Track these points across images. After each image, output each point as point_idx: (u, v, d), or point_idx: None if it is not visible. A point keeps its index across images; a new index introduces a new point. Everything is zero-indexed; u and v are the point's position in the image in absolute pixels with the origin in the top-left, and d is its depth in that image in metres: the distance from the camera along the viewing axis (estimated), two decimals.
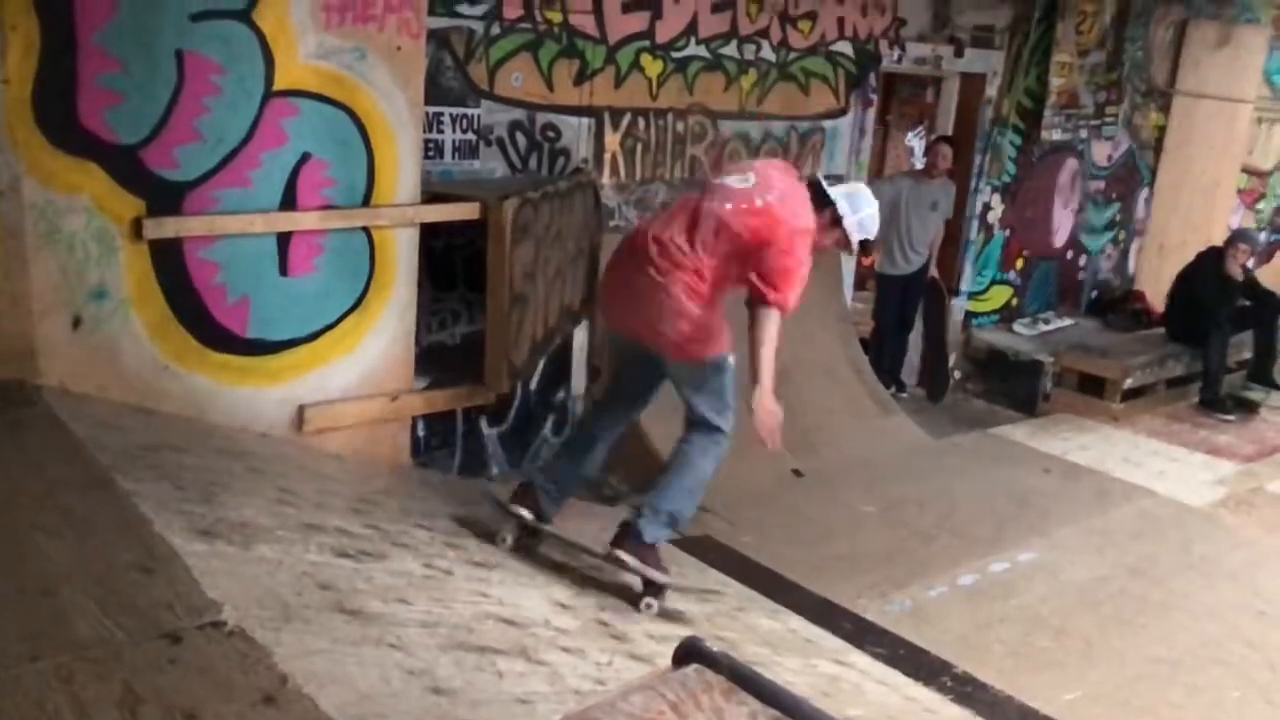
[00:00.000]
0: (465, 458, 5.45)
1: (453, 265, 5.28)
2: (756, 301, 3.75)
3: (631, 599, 3.84)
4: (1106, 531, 5.65)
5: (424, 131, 4.74)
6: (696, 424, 3.94)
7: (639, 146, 5.90)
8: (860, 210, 4.01)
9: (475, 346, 4.97)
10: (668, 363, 3.89)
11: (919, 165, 8.96)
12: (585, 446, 4.17)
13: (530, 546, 4.06)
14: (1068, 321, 8.99)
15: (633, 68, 5.73)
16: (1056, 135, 8.55)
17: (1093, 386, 7.81)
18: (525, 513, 4.02)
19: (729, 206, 3.81)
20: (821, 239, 3.95)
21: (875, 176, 8.32)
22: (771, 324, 3.72)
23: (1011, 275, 8.77)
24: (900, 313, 7.74)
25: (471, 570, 3.57)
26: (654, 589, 3.85)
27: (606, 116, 5.70)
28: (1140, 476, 6.54)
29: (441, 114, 5.01)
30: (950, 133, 7.94)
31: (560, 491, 4.12)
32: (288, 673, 2.13)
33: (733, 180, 3.94)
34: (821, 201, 3.98)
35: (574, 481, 4.21)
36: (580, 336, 5.85)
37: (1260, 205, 10.76)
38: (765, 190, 3.85)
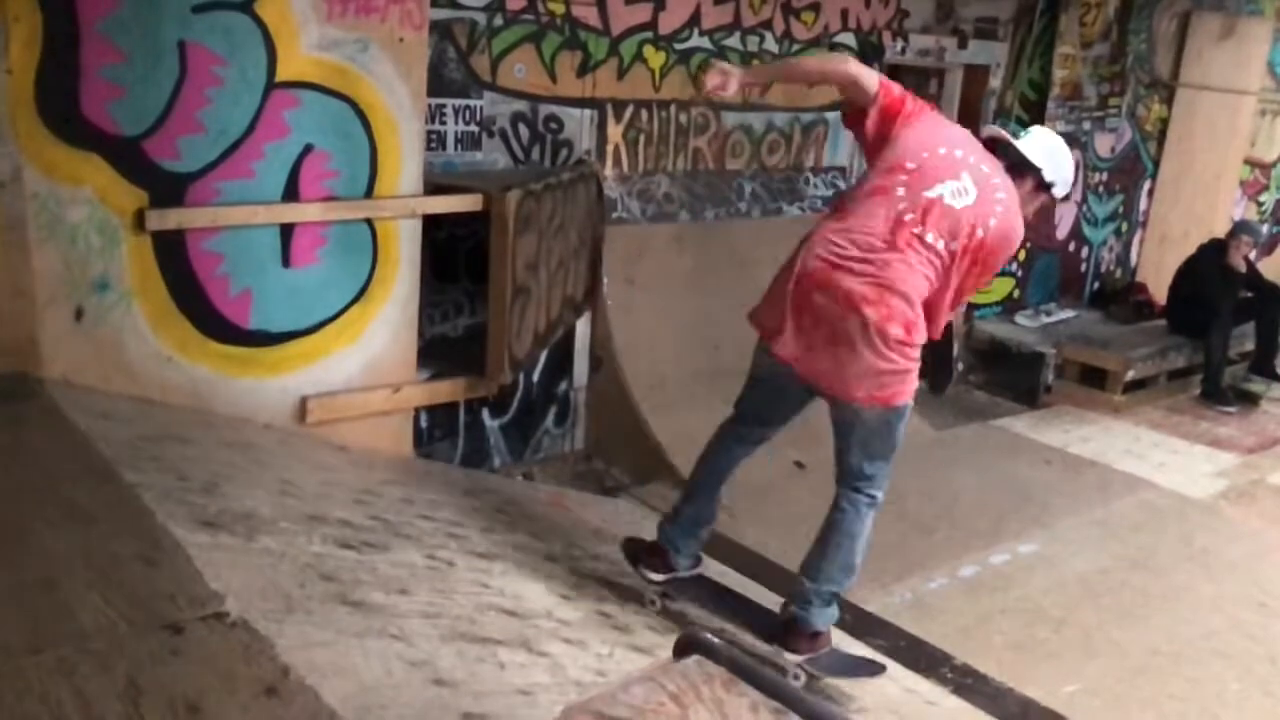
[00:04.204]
0: (467, 449, 5.45)
1: (455, 257, 5.28)
2: None
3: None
4: (1107, 523, 5.65)
5: (426, 123, 4.74)
6: (859, 485, 3.47)
7: (642, 138, 5.89)
8: (1063, 166, 3.56)
9: (478, 338, 4.97)
10: (854, 409, 3.35)
11: None
12: (712, 483, 3.77)
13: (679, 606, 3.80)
14: (1070, 313, 8.98)
15: (635, 59, 5.72)
16: (1060, 127, 8.51)
17: (1094, 378, 7.80)
18: (656, 576, 3.72)
19: (973, 200, 3.29)
20: (1024, 211, 3.47)
21: None
22: None
23: (1013, 267, 8.76)
24: None
25: (473, 561, 3.58)
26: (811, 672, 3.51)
27: (609, 108, 5.69)
28: (1141, 468, 6.54)
29: (444, 105, 5.00)
30: None
31: (690, 535, 3.75)
32: (290, 664, 2.14)
33: (953, 156, 3.35)
34: (1017, 166, 3.48)
35: (705, 520, 3.78)
36: (582, 328, 5.85)
37: (1263, 197, 10.74)
38: (994, 176, 3.37)
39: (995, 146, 3.53)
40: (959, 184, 3.28)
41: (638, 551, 3.81)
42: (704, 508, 3.75)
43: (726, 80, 3.44)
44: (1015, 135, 3.56)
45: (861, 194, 3.37)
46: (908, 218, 3.24)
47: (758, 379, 3.68)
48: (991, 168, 3.40)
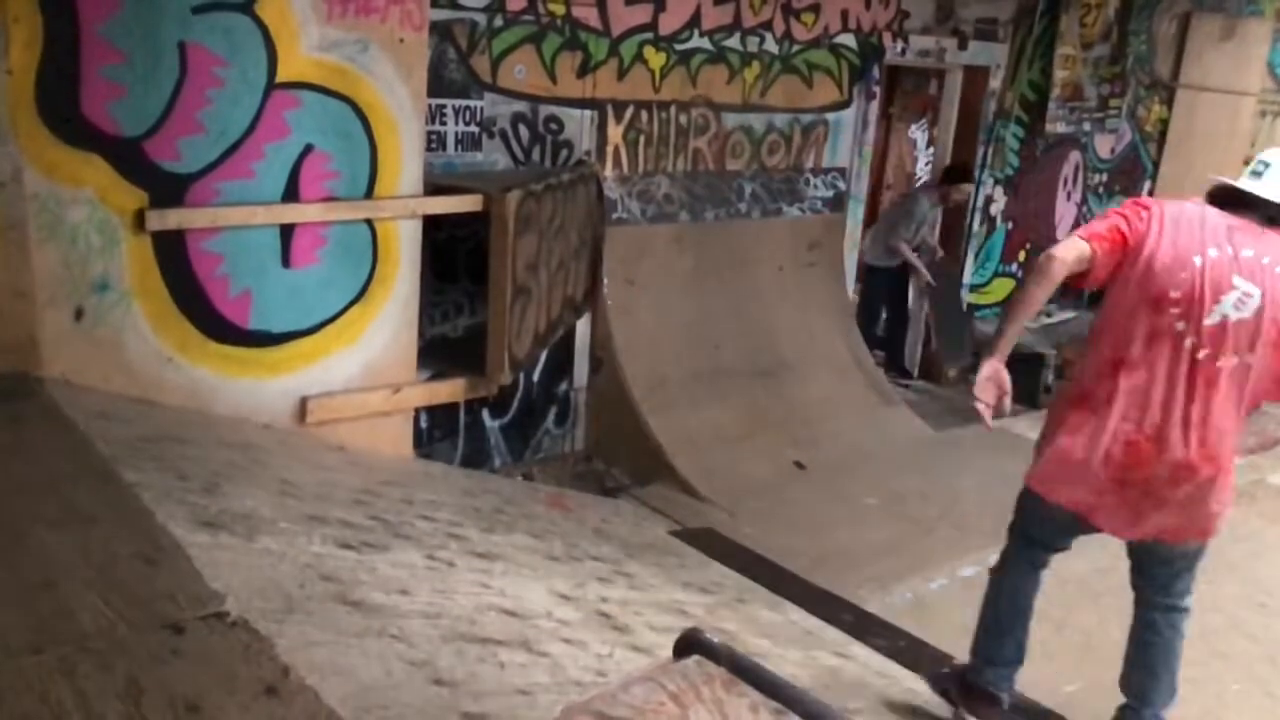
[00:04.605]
0: (467, 449, 5.46)
1: (455, 257, 5.28)
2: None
3: None
4: None
5: (427, 124, 4.74)
6: (1179, 604, 3.46)
7: (642, 139, 5.89)
8: None
9: (478, 338, 4.98)
10: (1195, 544, 3.31)
11: (922, 160, 8.96)
12: (1022, 616, 3.62)
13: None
14: (1070, 314, 8.98)
15: (636, 60, 5.73)
16: (1060, 128, 8.53)
17: None
18: None
19: (1259, 299, 3.00)
20: None
21: (878, 167, 8.32)
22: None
23: (1014, 268, 8.77)
24: (890, 303, 7.84)
25: (473, 561, 3.57)
26: None
27: (609, 109, 5.69)
28: None
29: (444, 106, 5.01)
30: (952, 125, 7.96)
31: (1011, 673, 3.58)
32: (290, 664, 2.14)
33: (1210, 262, 3.03)
34: (1275, 217, 3.16)
35: (1024, 654, 3.61)
36: (583, 328, 5.85)
37: None
38: (1262, 253, 3.05)
39: (1240, 198, 3.21)
40: (1236, 294, 3.00)
41: (957, 698, 3.60)
42: (1022, 642, 3.59)
43: (1002, 392, 3.29)
44: (1257, 173, 3.25)
45: (1137, 336, 3.09)
46: (1202, 355, 3.03)
47: (1048, 525, 3.55)
48: (1253, 243, 3.07)
